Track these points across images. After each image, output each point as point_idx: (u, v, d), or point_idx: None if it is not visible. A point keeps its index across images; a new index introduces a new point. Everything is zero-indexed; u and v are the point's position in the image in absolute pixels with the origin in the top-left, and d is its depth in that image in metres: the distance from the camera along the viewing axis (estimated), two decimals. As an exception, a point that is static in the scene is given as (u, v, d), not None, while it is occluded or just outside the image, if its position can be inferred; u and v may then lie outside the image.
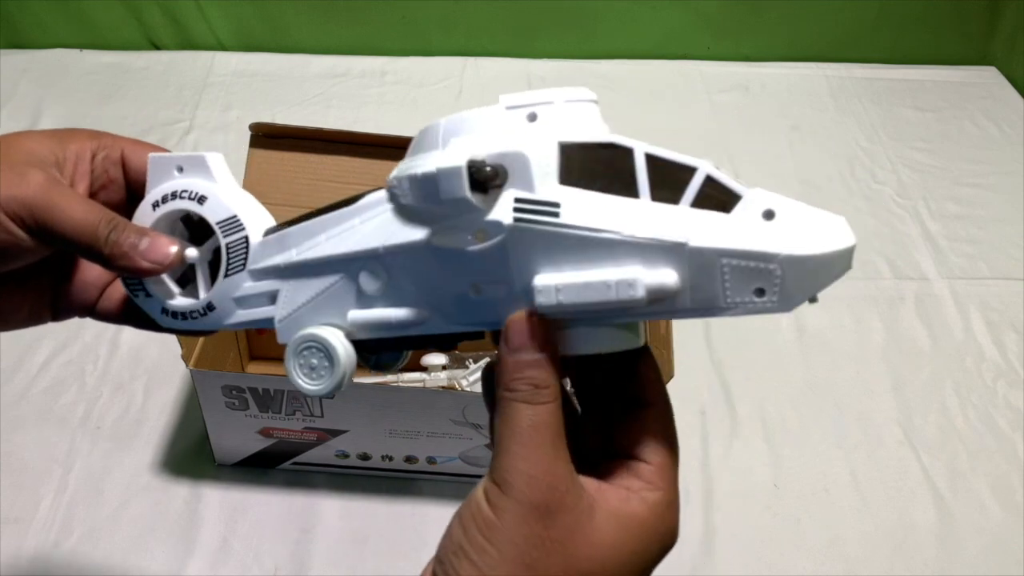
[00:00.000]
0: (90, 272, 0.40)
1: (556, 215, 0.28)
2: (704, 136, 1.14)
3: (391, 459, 0.69)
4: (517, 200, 0.29)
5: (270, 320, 0.36)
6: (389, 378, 0.75)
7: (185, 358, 0.61)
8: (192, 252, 0.36)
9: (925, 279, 0.95)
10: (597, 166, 0.29)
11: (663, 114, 1.17)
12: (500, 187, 0.29)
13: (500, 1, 1.21)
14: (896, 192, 1.07)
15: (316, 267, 0.34)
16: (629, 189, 0.29)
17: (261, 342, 0.78)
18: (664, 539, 0.33)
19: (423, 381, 0.74)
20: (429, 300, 0.32)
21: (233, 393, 0.63)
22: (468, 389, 0.72)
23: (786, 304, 0.27)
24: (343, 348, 0.33)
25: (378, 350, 0.35)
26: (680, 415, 0.32)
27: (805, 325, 0.89)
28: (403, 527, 0.68)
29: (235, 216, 0.36)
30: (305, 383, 0.34)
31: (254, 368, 0.79)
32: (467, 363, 0.75)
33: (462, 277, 0.31)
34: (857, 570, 0.68)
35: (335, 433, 0.66)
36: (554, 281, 0.29)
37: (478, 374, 0.73)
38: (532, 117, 0.30)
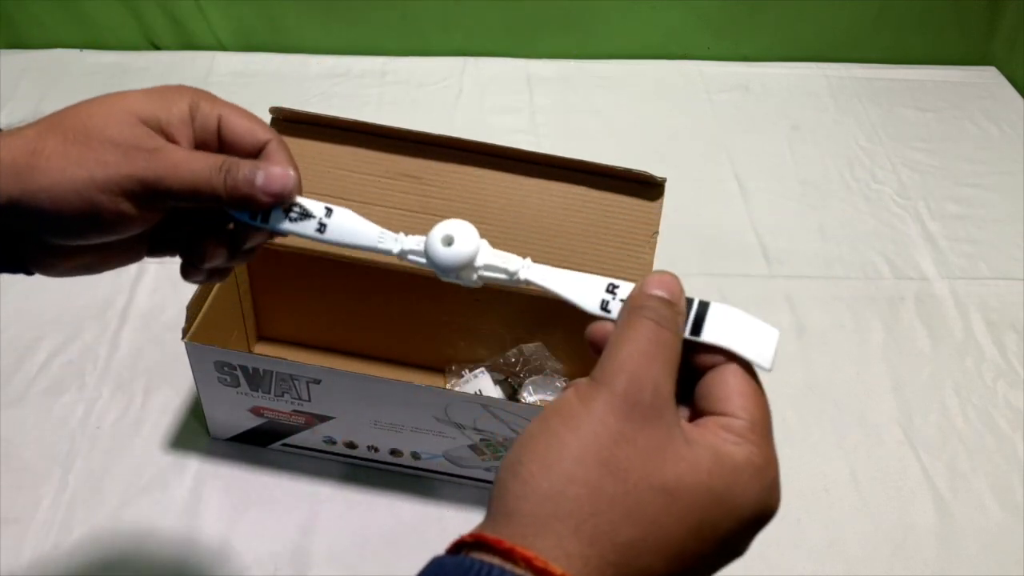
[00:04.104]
0: None
1: None
2: (704, 136, 1.14)
3: (376, 450, 0.69)
4: None
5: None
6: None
7: (185, 331, 0.63)
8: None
9: (925, 279, 0.95)
10: None
11: (663, 114, 1.17)
12: None
13: (500, 1, 1.21)
14: (896, 192, 1.07)
15: None
16: None
17: (270, 322, 0.79)
18: (762, 498, 0.28)
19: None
20: None
21: (225, 369, 0.64)
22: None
23: None
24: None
25: None
26: (680, 415, 0.32)
27: (805, 325, 0.89)
28: (403, 526, 0.68)
29: None
30: None
31: (262, 349, 0.80)
32: (462, 373, 0.76)
33: None
34: (857, 570, 0.68)
35: (322, 419, 0.67)
36: None
37: (473, 382, 0.74)
38: None
